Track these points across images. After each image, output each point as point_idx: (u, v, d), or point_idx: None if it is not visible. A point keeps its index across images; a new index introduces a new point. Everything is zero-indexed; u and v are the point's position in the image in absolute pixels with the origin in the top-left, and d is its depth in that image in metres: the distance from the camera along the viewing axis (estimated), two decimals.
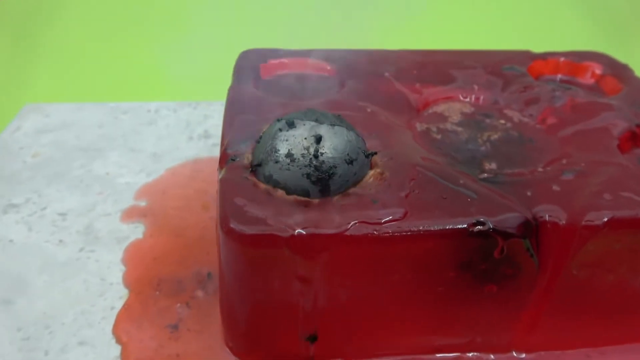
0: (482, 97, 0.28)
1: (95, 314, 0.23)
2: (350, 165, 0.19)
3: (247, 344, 0.20)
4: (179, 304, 0.23)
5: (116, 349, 0.21)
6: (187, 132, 0.37)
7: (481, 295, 0.19)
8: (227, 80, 0.40)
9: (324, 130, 0.19)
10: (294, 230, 0.17)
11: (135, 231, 0.28)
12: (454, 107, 0.27)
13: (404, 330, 0.20)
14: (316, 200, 0.19)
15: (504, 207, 0.19)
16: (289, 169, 0.18)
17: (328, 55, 0.30)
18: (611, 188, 0.20)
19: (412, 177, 0.20)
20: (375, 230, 0.17)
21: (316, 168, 0.18)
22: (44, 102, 0.39)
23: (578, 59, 0.32)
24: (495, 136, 0.25)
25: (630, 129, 0.25)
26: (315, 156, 0.18)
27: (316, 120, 0.19)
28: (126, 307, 0.23)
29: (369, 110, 0.25)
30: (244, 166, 0.20)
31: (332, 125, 0.19)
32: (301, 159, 0.18)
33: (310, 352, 0.20)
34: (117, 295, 0.24)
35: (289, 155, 0.19)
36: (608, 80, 0.30)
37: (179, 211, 0.29)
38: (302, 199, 0.18)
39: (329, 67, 0.29)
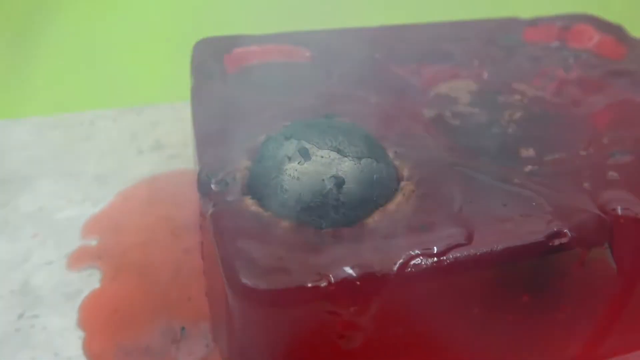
0: (485, 73, 0.24)
1: None
2: (378, 210, 0.14)
3: None
4: None
5: None
6: (134, 144, 0.31)
7: (552, 317, 0.16)
8: (174, 77, 0.34)
9: (347, 167, 0.14)
10: (330, 277, 0.13)
11: (90, 280, 0.22)
12: (458, 86, 0.23)
13: None
14: (343, 230, 0.14)
15: (576, 209, 0.15)
16: (298, 218, 0.14)
17: (303, 39, 0.25)
18: None
19: (457, 184, 0.15)
20: (442, 261, 0.13)
21: (334, 222, 0.14)
22: None
23: (569, 23, 0.29)
24: (517, 115, 0.21)
25: None
26: (335, 207, 0.14)
27: (338, 150, 0.15)
28: None
29: (372, 100, 0.20)
30: (237, 190, 0.15)
31: (359, 158, 0.15)
32: (316, 208, 0.14)
33: None
34: None
35: (300, 200, 0.14)
36: (607, 43, 0.28)
37: (142, 247, 0.23)
38: (326, 230, 0.14)
39: (307, 53, 0.24)
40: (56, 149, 0.30)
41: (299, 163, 0.15)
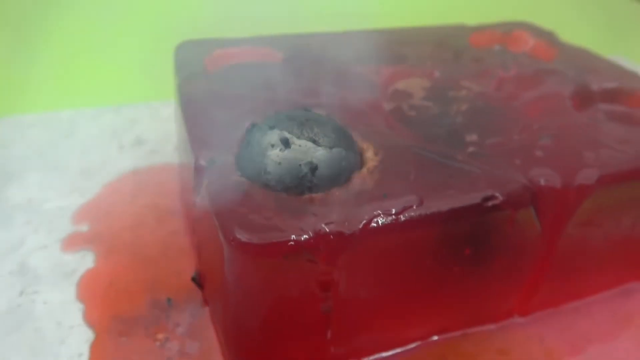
0: (436, 72, 0.28)
1: None
2: (347, 183, 0.18)
3: None
4: (157, 343, 0.20)
5: None
6: (115, 140, 0.33)
7: (490, 268, 0.19)
8: (151, 78, 0.36)
9: (320, 155, 0.17)
10: (309, 232, 0.15)
11: (84, 261, 0.24)
12: (413, 83, 0.27)
13: (417, 317, 0.20)
14: (318, 196, 0.17)
15: (507, 179, 0.18)
16: (278, 194, 0.17)
17: (276, 42, 0.28)
18: (588, 147, 0.21)
19: (412, 161, 0.19)
20: (398, 220, 0.16)
21: (307, 194, 0.17)
22: None
23: (508, 29, 0.33)
24: (464, 107, 0.24)
25: (578, 90, 0.26)
26: (309, 188, 0.17)
27: (313, 140, 0.17)
28: (95, 356, 0.20)
29: (338, 94, 0.23)
30: (227, 166, 0.18)
31: (330, 147, 0.17)
32: (293, 188, 0.17)
33: (324, 357, 0.19)
34: (83, 339, 0.20)
35: (280, 181, 0.17)
36: (540, 46, 0.32)
37: (131, 230, 0.25)
38: (304, 196, 0.17)
39: (279, 55, 0.27)
40: (39, 145, 0.32)
41: (280, 150, 0.17)
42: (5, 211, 0.26)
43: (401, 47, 0.29)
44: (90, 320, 0.21)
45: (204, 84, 0.24)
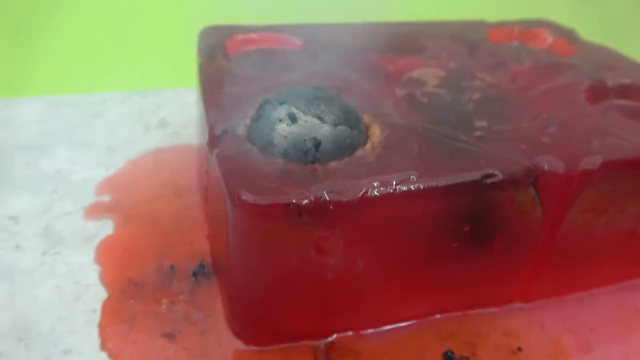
0: (452, 63, 0.28)
1: (76, 319, 0.20)
2: (351, 155, 0.18)
3: (260, 327, 0.19)
4: (164, 306, 0.21)
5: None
6: (141, 122, 0.34)
7: (491, 248, 0.19)
8: (177, 66, 0.38)
9: (325, 131, 0.18)
10: (311, 197, 0.16)
11: (104, 228, 0.25)
12: (428, 72, 0.27)
13: (419, 293, 0.20)
14: (322, 167, 0.18)
15: (509, 160, 0.19)
16: (283, 163, 0.18)
17: (296, 30, 0.29)
18: (595, 136, 0.21)
19: (416, 139, 0.19)
20: (397, 191, 0.17)
21: (310, 167, 0.18)
22: None
23: (528, 26, 0.33)
24: (476, 96, 0.25)
25: (593, 85, 0.26)
26: (312, 161, 0.18)
27: (319, 117, 0.18)
28: (107, 313, 0.21)
29: (352, 79, 0.24)
30: (239, 137, 0.19)
31: (335, 125, 0.18)
32: (297, 160, 0.18)
33: (324, 326, 0.20)
34: (97, 297, 0.21)
35: (285, 154, 0.18)
36: (559, 43, 0.32)
37: (149, 203, 0.27)
38: (310, 165, 0.18)
39: (299, 42, 0.28)
40: (70, 123, 0.34)
41: (287, 125, 0.18)
42: (36, 180, 0.28)
43: (418, 39, 0.30)
44: (105, 281, 0.22)
45: (224, 65, 0.25)
